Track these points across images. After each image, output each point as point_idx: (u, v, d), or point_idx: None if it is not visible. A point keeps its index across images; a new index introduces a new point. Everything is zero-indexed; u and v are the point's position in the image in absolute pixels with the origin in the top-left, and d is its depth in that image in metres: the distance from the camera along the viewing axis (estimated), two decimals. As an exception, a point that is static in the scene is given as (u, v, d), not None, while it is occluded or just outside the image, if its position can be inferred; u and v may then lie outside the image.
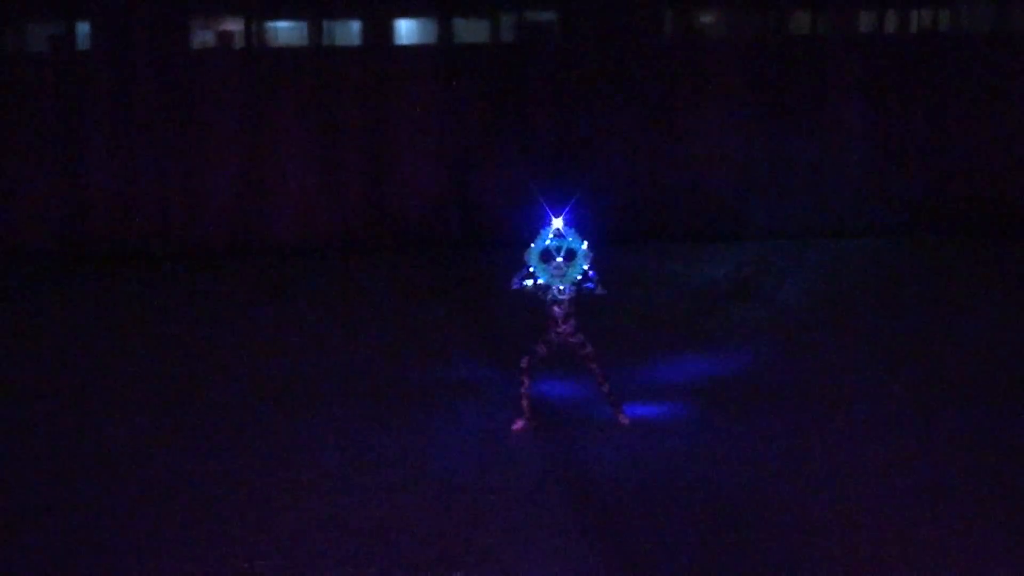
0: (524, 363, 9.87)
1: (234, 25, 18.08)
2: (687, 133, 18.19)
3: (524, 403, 9.88)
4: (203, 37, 18.13)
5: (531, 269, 9.72)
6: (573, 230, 9.73)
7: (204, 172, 17.89)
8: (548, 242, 9.68)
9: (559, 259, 9.65)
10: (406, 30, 18.36)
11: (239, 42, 17.99)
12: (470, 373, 11.57)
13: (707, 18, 18.51)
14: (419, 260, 17.20)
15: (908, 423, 9.91)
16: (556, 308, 9.71)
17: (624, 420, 9.95)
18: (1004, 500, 8.22)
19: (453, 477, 8.88)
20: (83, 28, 17.83)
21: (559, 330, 9.76)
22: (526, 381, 9.85)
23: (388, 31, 18.10)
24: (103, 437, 9.95)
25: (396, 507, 8.34)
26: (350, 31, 18.19)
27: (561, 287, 9.69)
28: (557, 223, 9.69)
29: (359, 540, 7.81)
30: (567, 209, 9.79)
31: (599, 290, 9.80)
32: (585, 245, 9.70)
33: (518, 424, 9.89)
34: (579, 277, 9.70)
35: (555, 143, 18.07)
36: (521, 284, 9.78)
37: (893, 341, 12.51)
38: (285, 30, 18.23)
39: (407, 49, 18.18)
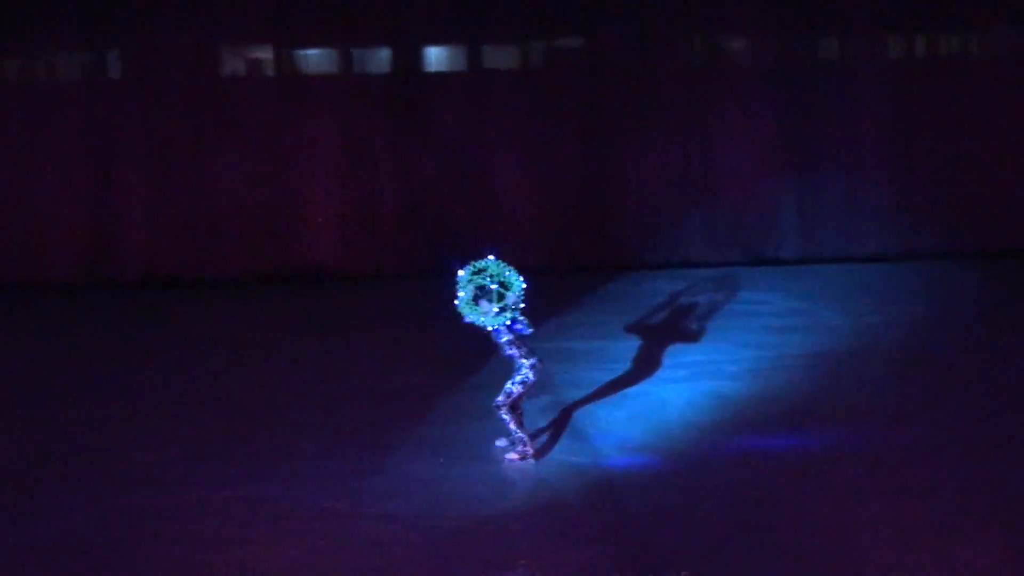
0: (515, 391, 9.68)
1: (264, 53, 18.07)
2: (714, 159, 18.21)
3: (521, 434, 9.72)
4: (234, 65, 18.11)
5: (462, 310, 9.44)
6: (503, 264, 9.49)
7: (235, 200, 17.85)
8: (472, 280, 9.42)
9: (491, 301, 9.40)
10: (435, 57, 18.34)
11: (269, 70, 17.99)
12: (470, 400, 11.39)
13: (737, 44, 18.48)
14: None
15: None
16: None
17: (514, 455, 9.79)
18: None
19: (437, 509, 8.80)
20: (113, 57, 17.82)
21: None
22: (518, 409, 9.73)
23: (418, 58, 18.09)
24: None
25: (377, 543, 8.26)
26: (379, 58, 18.18)
27: (490, 328, 9.48)
28: (489, 259, 9.50)
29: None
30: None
31: (526, 330, 9.59)
32: (521, 281, 9.45)
33: (525, 452, 9.78)
34: (508, 322, 9.45)
35: (583, 168, 18.09)
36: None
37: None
38: (315, 57, 18.21)
39: (437, 76, 18.14)
